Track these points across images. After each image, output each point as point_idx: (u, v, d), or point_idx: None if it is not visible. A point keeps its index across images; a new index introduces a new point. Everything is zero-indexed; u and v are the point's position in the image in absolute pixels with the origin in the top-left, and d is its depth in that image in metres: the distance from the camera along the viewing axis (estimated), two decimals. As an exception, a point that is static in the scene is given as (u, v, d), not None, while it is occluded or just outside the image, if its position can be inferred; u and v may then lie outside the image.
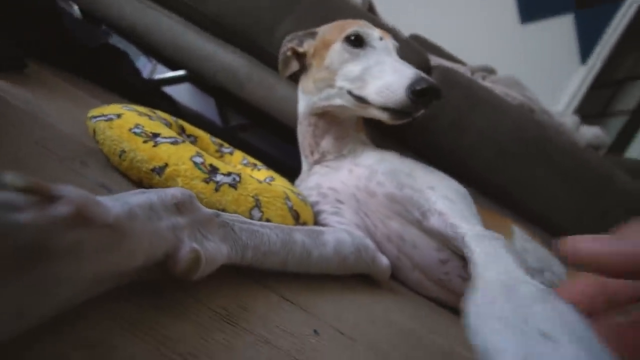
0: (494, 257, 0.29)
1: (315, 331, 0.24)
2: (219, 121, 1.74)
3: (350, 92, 0.50)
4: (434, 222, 0.43)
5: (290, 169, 0.72)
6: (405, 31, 1.57)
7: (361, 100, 0.49)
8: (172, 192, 0.20)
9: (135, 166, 0.33)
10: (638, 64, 2.23)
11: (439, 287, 0.48)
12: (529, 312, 0.15)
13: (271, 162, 0.65)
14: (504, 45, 1.70)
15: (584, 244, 0.15)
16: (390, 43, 0.53)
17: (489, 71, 1.10)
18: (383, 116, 0.47)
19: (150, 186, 0.33)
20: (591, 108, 2.21)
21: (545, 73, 1.69)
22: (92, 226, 0.13)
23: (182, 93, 1.71)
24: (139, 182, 0.34)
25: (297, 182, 0.61)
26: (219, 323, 0.19)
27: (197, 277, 0.19)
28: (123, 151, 0.33)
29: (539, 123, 0.83)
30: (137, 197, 0.17)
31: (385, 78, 0.46)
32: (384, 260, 0.44)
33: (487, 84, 0.97)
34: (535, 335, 0.13)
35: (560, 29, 1.68)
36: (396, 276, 0.51)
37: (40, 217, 0.11)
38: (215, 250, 0.21)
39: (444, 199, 0.44)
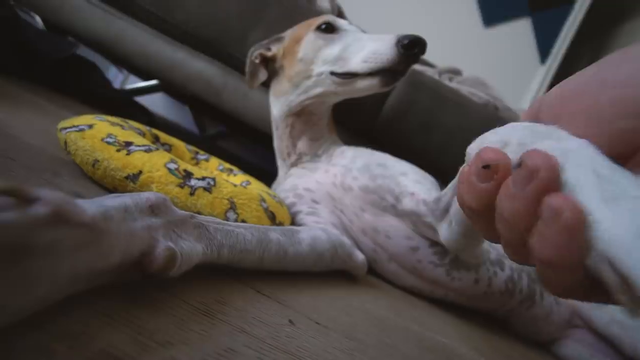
0: None
1: (290, 321, 0.25)
2: (196, 129, 1.73)
3: (333, 73, 0.51)
4: (406, 203, 0.46)
5: (268, 174, 0.74)
6: (376, 36, 1.62)
7: (347, 75, 0.50)
8: (147, 196, 0.21)
9: (109, 174, 0.33)
10: (591, 64, 2.40)
11: (414, 275, 0.51)
12: None
13: (249, 168, 0.66)
14: (469, 48, 1.79)
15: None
16: (358, 29, 0.56)
17: (456, 72, 1.15)
18: (373, 83, 0.49)
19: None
20: (553, 105, 2.36)
21: (509, 73, 1.79)
22: (70, 225, 0.14)
23: (156, 103, 1.68)
24: (114, 190, 0.34)
25: (274, 185, 0.63)
26: (196, 316, 0.20)
27: (174, 274, 0.20)
28: (96, 160, 0.34)
29: (503, 120, 0.88)
30: (112, 200, 0.18)
31: (368, 47, 0.49)
32: (359, 256, 0.46)
33: (453, 84, 1.01)
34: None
35: (520, 32, 1.79)
36: (374, 269, 0.53)
37: (19, 217, 0.12)
38: (191, 248, 0.22)
39: (415, 182, 0.47)
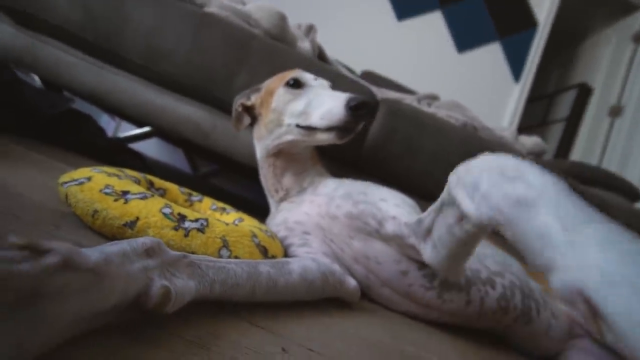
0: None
1: (283, 349, 0.26)
2: (189, 170, 1.77)
3: (298, 125, 0.58)
4: (389, 226, 0.48)
5: (263, 208, 0.76)
6: (358, 68, 1.72)
7: (308, 129, 0.57)
8: (142, 240, 0.23)
9: (107, 223, 0.36)
10: (561, 78, 2.57)
11: (407, 300, 0.52)
12: None
13: (244, 204, 0.69)
14: (447, 73, 1.89)
15: None
16: (324, 81, 0.63)
17: (434, 98, 1.21)
18: (330, 137, 0.56)
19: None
20: (532, 119, 2.47)
21: (487, 94, 1.89)
22: (77, 271, 0.16)
23: (151, 147, 1.74)
24: (113, 238, 0.36)
25: (268, 220, 0.65)
26: (191, 349, 0.21)
27: (169, 310, 0.22)
28: (95, 211, 0.36)
29: (481, 139, 0.92)
30: (112, 247, 0.20)
31: (325, 105, 0.56)
32: (351, 282, 0.47)
33: (432, 109, 1.07)
34: None
35: (492, 55, 1.91)
36: (369, 295, 0.54)
37: (34, 267, 0.14)
38: (184, 285, 0.24)
39: (395, 207, 0.50)
